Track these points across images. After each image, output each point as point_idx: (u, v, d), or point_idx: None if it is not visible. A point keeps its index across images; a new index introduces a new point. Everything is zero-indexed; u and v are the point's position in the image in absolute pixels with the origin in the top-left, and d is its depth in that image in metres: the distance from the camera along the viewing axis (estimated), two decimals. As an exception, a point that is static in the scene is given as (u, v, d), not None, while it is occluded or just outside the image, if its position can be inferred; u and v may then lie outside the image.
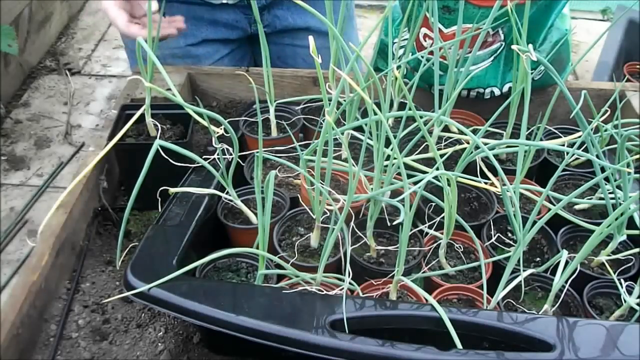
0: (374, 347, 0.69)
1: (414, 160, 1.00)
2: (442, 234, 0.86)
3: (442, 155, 0.88)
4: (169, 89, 0.81)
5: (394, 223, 0.89)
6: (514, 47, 0.81)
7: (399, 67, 1.11)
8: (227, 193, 0.93)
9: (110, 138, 1.05)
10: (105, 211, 1.03)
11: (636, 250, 0.88)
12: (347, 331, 0.71)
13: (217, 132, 0.90)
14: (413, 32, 1.10)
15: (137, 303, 0.88)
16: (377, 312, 0.74)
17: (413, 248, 0.88)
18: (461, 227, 0.86)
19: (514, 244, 0.90)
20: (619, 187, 0.89)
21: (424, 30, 1.14)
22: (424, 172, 0.94)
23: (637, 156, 0.97)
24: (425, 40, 1.14)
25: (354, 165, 0.81)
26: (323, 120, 0.94)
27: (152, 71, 1.00)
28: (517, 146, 0.90)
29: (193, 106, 0.84)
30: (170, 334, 0.85)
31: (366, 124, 0.88)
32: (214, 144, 0.93)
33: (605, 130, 1.01)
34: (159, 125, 1.02)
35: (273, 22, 1.42)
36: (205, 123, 0.90)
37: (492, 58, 1.14)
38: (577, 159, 1.08)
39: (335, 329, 0.71)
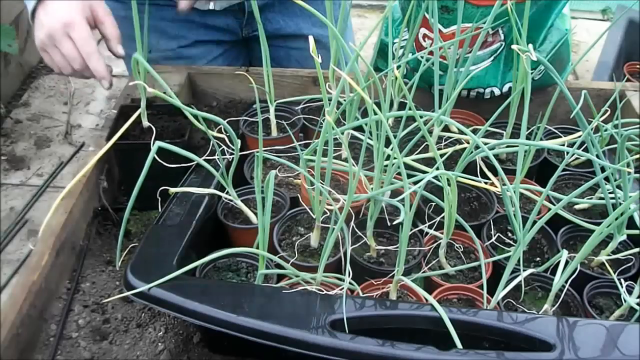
0: (374, 347, 0.69)
1: (414, 160, 1.00)
2: (442, 233, 0.86)
3: (442, 155, 0.88)
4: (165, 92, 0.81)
5: (394, 223, 0.88)
6: (514, 47, 0.81)
7: (399, 67, 1.11)
8: (227, 193, 0.93)
9: (109, 138, 1.05)
10: (105, 211, 1.03)
11: (636, 250, 0.88)
12: (347, 331, 0.71)
13: (215, 134, 0.90)
14: (412, 33, 1.10)
15: (137, 303, 0.88)
16: (377, 312, 0.74)
17: (413, 248, 0.88)
18: (461, 227, 0.86)
19: (514, 243, 0.90)
20: (619, 187, 0.89)
21: (423, 30, 1.13)
22: (424, 172, 0.94)
23: (637, 156, 0.97)
24: (425, 41, 1.14)
25: (354, 165, 0.81)
26: (323, 120, 0.94)
27: (145, 74, 0.99)
28: (517, 146, 0.90)
29: (190, 108, 0.84)
30: (170, 334, 0.85)
31: (366, 124, 0.87)
32: (212, 146, 0.93)
33: (605, 130, 1.01)
34: (153, 127, 1.01)
35: (264, 25, 1.42)
36: (203, 127, 0.90)
37: (492, 58, 1.14)
38: (577, 158, 1.08)
39: (335, 328, 0.71)
